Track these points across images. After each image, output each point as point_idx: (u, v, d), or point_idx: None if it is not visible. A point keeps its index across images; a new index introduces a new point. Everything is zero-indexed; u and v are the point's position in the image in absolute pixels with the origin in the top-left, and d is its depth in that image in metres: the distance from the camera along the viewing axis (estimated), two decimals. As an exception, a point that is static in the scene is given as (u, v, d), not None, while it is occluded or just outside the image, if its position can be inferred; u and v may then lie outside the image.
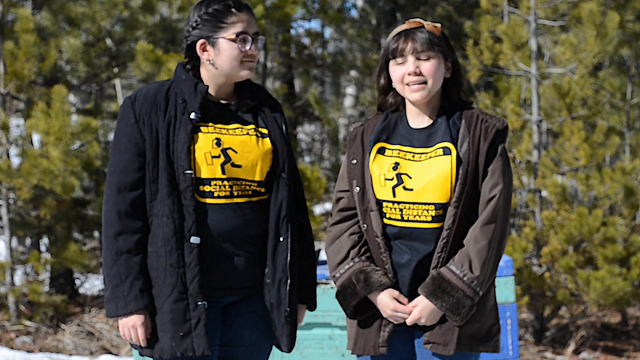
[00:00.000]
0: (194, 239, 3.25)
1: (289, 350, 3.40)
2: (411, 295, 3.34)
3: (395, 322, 3.36)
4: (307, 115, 12.74)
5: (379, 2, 12.57)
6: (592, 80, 8.48)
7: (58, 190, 8.10)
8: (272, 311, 3.38)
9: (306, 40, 13.25)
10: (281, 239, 3.34)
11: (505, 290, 5.28)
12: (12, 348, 7.97)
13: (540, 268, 8.20)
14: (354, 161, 3.41)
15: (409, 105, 3.40)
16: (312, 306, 3.56)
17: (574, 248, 8.09)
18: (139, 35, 9.20)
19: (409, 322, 3.30)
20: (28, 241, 9.80)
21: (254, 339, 3.43)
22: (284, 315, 3.35)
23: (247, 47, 3.34)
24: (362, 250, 3.40)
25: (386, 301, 3.32)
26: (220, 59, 3.35)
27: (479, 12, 9.47)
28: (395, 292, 3.33)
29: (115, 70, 9.53)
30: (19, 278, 9.23)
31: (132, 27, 9.15)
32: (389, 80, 3.43)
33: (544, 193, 8.55)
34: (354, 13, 14.01)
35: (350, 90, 14.88)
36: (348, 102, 14.68)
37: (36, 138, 9.25)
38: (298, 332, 4.96)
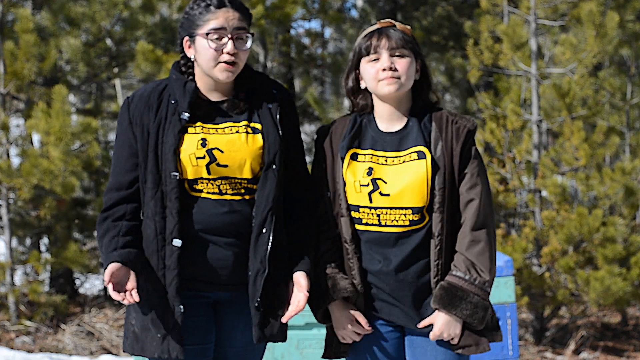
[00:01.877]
0: (176, 242, 3.23)
1: (257, 342, 3.33)
2: (397, 301, 3.34)
3: (342, 340, 3.39)
4: (307, 115, 12.73)
5: (379, 2, 12.57)
6: (592, 80, 8.48)
7: (58, 190, 8.11)
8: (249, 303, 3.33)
9: (306, 40, 13.25)
10: (264, 231, 3.26)
11: (505, 290, 5.28)
12: (12, 348, 7.97)
13: (540, 268, 8.20)
14: (323, 165, 3.40)
15: (378, 108, 3.37)
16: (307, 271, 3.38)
17: (574, 248, 8.09)
18: (139, 35, 9.20)
19: (432, 338, 3.29)
20: (28, 241, 9.80)
21: (244, 341, 3.39)
22: (254, 306, 3.27)
23: (222, 45, 3.26)
24: (334, 256, 3.38)
25: (342, 320, 3.36)
26: (199, 58, 3.30)
27: (479, 12, 9.47)
28: (357, 314, 3.35)
29: (115, 70, 9.53)
30: (19, 278, 9.23)
31: (132, 27, 9.15)
32: (357, 82, 3.42)
33: (544, 193, 8.55)
34: (354, 13, 14.01)
35: (350, 90, 14.85)
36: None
37: (36, 138, 9.25)
38: (298, 332, 4.97)
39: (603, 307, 9.00)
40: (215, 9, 3.26)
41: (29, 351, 7.97)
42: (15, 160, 9.08)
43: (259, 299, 3.27)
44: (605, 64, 10.38)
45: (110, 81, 10.42)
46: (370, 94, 3.40)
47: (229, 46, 3.25)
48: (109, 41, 9.29)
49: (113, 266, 3.19)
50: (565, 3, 8.45)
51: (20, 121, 10.13)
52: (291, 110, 3.41)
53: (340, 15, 12.31)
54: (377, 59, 3.32)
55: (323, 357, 3.47)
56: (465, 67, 8.94)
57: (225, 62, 3.26)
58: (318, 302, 3.40)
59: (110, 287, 3.18)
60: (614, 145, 8.43)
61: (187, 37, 3.32)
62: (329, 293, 3.35)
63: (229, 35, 3.25)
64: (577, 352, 8.24)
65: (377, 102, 3.38)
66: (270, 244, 3.26)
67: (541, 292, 8.13)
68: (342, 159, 3.35)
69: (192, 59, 3.33)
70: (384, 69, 3.29)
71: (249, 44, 3.30)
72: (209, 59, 3.27)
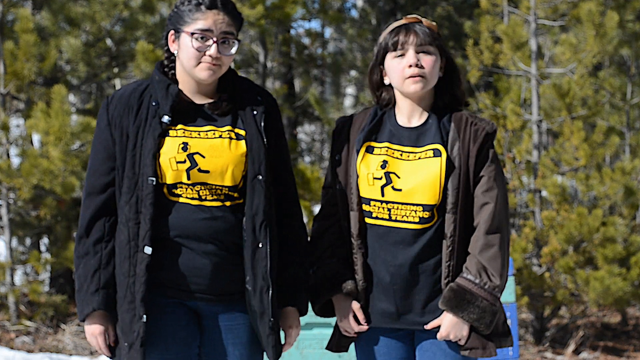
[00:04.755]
0: (147, 249, 3.14)
1: (276, 357, 3.27)
2: (403, 299, 3.32)
3: (343, 332, 3.38)
4: (307, 115, 12.73)
5: (379, 2, 12.57)
6: (592, 80, 8.48)
7: (58, 190, 8.11)
8: (255, 320, 3.24)
9: (306, 40, 13.25)
10: (260, 245, 3.17)
11: (505, 290, 5.27)
12: (12, 348, 7.97)
13: (540, 268, 8.20)
14: (337, 157, 3.38)
15: (400, 103, 3.37)
16: (301, 308, 3.36)
17: (574, 248, 8.09)
18: (139, 35, 9.20)
19: (439, 338, 3.28)
20: (28, 241, 9.80)
21: (238, 355, 3.30)
22: (268, 326, 3.20)
23: (206, 47, 3.18)
24: (338, 251, 3.37)
25: (342, 312, 3.35)
26: (182, 54, 3.22)
27: (479, 12, 9.47)
28: (356, 306, 3.33)
29: (115, 70, 9.53)
30: (19, 278, 9.23)
31: (132, 27, 9.15)
32: (381, 76, 3.42)
33: (544, 193, 8.55)
34: (354, 13, 14.01)
35: (350, 90, 14.88)
36: (348, 102, 14.68)
37: (36, 138, 9.25)
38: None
39: (603, 307, 9.00)
40: (206, 9, 3.19)
41: (29, 351, 7.96)
42: (15, 160, 9.08)
43: (272, 319, 3.19)
44: (605, 64, 10.39)
45: (110, 81, 10.42)
46: (392, 88, 3.39)
47: (213, 49, 3.18)
48: (109, 41, 9.29)
49: (98, 328, 3.23)
50: (565, 3, 8.45)
51: (20, 121, 10.13)
52: (276, 117, 3.32)
53: (340, 15, 12.32)
54: (402, 55, 3.30)
55: (326, 348, 3.46)
56: (465, 67, 8.94)
57: (208, 63, 3.20)
58: (318, 295, 3.38)
59: (104, 350, 3.26)
60: (614, 145, 8.43)
61: (172, 31, 3.25)
62: (329, 288, 3.33)
63: (215, 39, 3.18)
64: (577, 352, 8.24)
65: (399, 97, 3.38)
66: (269, 258, 3.18)
67: (541, 292, 8.12)
68: (358, 152, 3.33)
69: (175, 54, 3.25)
70: (410, 66, 3.27)
71: (234, 49, 3.23)
72: (191, 57, 3.20)
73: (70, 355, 7.93)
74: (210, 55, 3.18)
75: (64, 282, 9.45)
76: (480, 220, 3.26)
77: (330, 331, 5.13)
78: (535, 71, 8.31)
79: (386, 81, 3.39)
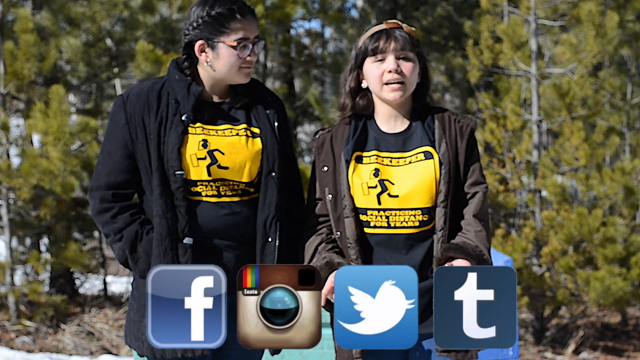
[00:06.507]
0: (187, 240, 3.24)
1: (275, 353, 3.36)
2: None
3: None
4: (307, 115, 12.74)
5: (379, 2, 12.57)
6: (592, 80, 8.49)
7: (58, 190, 8.11)
8: None
9: (306, 40, 13.25)
10: (269, 240, 3.30)
11: (505, 290, 5.27)
12: (12, 348, 7.98)
13: (540, 268, 8.20)
14: (325, 168, 3.37)
15: (379, 109, 3.36)
16: None
17: (574, 248, 8.10)
18: (139, 35, 9.21)
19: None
20: (28, 241, 9.80)
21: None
22: None
23: (246, 54, 3.29)
24: (328, 248, 3.31)
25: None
26: (219, 64, 3.30)
27: (479, 12, 9.48)
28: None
29: (115, 70, 9.53)
30: (19, 278, 9.23)
31: (132, 27, 9.16)
32: (358, 81, 3.41)
33: (544, 193, 8.55)
34: (354, 13, 14.02)
35: (350, 90, 14.87)
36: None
37: (36, 138, 9.25)
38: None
39: (603, 307, 9.00)
40: (242, 17, 3.28)
41: (29, 351, 7.97)
42: (15, 160, 9.08)
43: None
44: (605, 64, 10.39)
45: (110, 81, 10.42)
46: (370, 93, 3.39)
47: (253, 55, 3.31)
48: (109, 41, 9.29)
49: None
50: (565, 3, 8.45)
51: (20, 121, 10.14)
52: (285, 117, 3.44)
53: (340, 15, 12.32)
54: (382, 60, 3.30)
55: None
56: (465, 67, 8.95)
57: (246, 67, 3.31)
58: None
59: None
60: (613, 145, 8.44)
61: (202, 42, 3.31)
62: (326, 270, 3.23)
63: (252, 44, 3.30)
64: (577, 352, 8.24)
65: (378, 103, 3.37)
66: (277, 252, 3.29)
67: (541, 292, 8.13)
68: (348, 162, 3.32)
69: (207, 63, 3.31)
70: (390, 71, 3.28)
71: (259, 49, 3.36)
72: (233, 65, 3.29)
73: (70, 355, 7.93)
74: (250, 61, 3.30)
75: (64, 282, 9.45)
76: (470, 207, 3.29)
77: (330, 331, 5.14)
78: (535, 71, 8.31)
79: (363, 85, 3.39)
